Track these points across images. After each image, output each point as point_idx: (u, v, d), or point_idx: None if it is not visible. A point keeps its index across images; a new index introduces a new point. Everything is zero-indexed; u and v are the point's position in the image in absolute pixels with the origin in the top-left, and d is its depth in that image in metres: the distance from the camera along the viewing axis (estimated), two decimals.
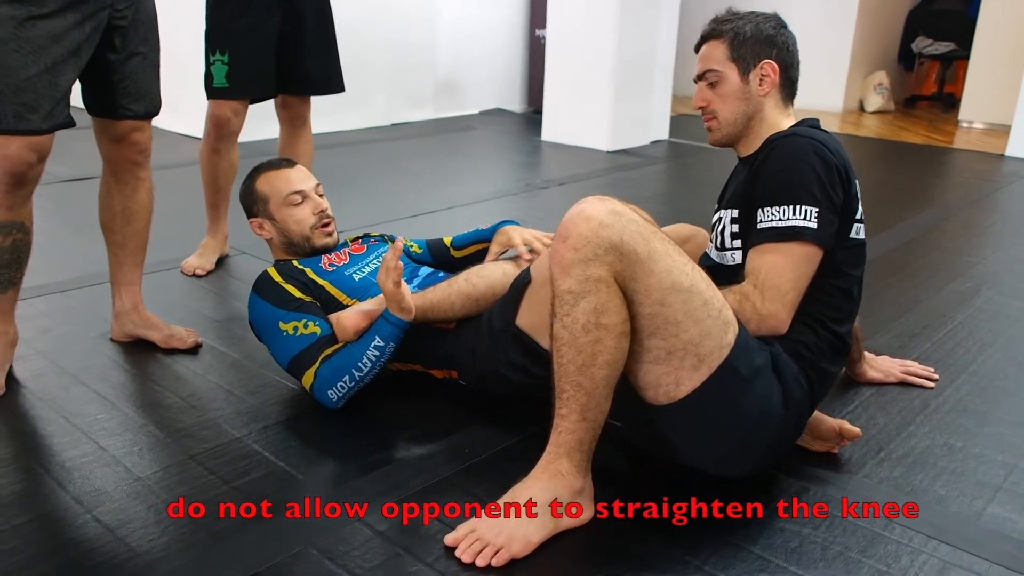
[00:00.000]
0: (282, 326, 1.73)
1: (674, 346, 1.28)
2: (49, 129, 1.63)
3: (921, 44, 6.87)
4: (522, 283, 1.65)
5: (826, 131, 1.52)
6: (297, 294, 1.79)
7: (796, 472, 1.55)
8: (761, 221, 1.41)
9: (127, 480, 1.47)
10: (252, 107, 2.53)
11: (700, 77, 1.57)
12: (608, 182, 4.09)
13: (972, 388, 1.92)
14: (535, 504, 1.30)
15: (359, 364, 1.65)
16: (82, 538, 1.31)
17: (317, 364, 1.67)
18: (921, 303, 2.47)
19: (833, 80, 6.66)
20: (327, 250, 1.93)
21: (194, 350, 2.00)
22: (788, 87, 1.56)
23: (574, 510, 1.34)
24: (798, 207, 1.38)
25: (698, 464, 1.44)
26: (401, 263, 1.59)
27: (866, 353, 1.94)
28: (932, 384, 1.93)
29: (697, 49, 1.58)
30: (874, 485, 1.52)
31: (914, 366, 1.98)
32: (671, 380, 1.31)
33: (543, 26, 5.34)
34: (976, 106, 5.95)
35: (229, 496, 1.43)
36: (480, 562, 1.25)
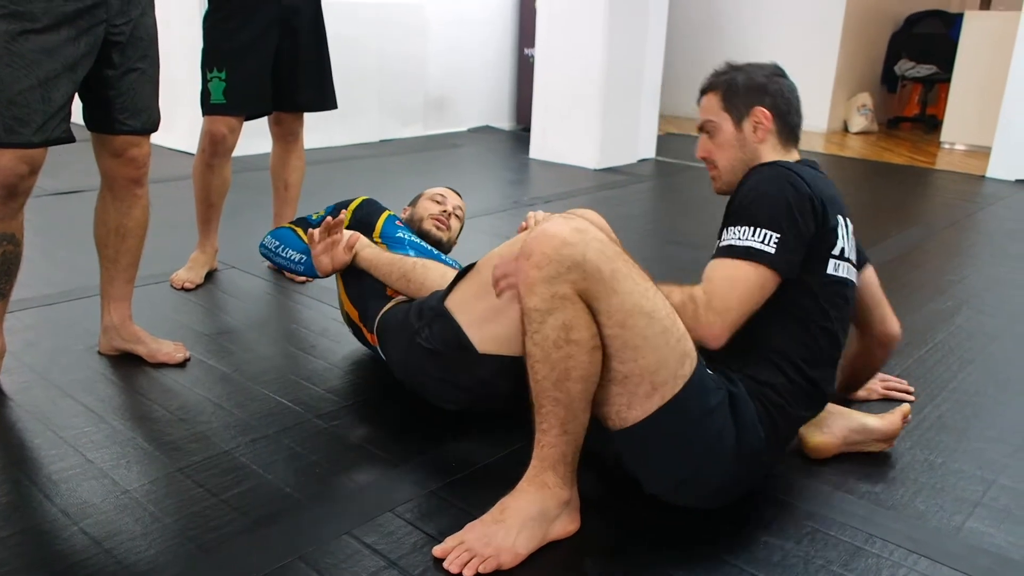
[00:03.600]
0: (321, 212, 2.26)
1: (631, 371, 1.29)
2: (41, 143, 1.64)
3: (904, 66, 6.98)
4: (466, 269, 1.68)
5: (819, 171, 1.53)
6: (349, 209, 2.20)
7: (779, 487, 1.57)
8: (724, 239, 1.44)
9: (114, 493, 1.47)
10: (245, 123, 2.55)
11: (700, 128, 1.62)
12: (595, 200, 4.13)
13: (952, 405, 1.96)
14: (523, 516, 1.32)
15: (287, 249, 2.14)
16: (69, 551, 1.31)
17: (290, 226, 2.24)
18: (903, 321, 2.48)
19: (818, 101, 6.75)
20: (430, 239, 2.19)
21: (182, 364, 2.01)
22: (786, 132, 1.57)
23: (561, 522, 1.36)
24: (759, 230, 1.39)
25: (655, 491, 1.44)
26: (339, 237, 1.94)
27: None
28: (911, 397, 1.96)
29: (698, 102, 1.64)
30: (855, 500, 1.54)
31: (892, 380, 2.02)
32: (623, 403, 1.32)
33: (532, 45, 5.39)
34: (957, 128, 6.04)
35: (217, 509, 1.43)
36: (467, 572, 1.26)
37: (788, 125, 1.58)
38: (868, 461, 1.69)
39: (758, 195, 1.43)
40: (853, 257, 1.52)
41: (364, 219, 2.14)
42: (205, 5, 2.46)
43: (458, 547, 1.30)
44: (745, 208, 1.43)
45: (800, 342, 1.44)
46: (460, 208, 2.33)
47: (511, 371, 1.61)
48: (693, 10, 7.09)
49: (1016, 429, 1.85)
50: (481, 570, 1.27)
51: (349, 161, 4.82)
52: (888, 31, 7.14)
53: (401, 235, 2.11)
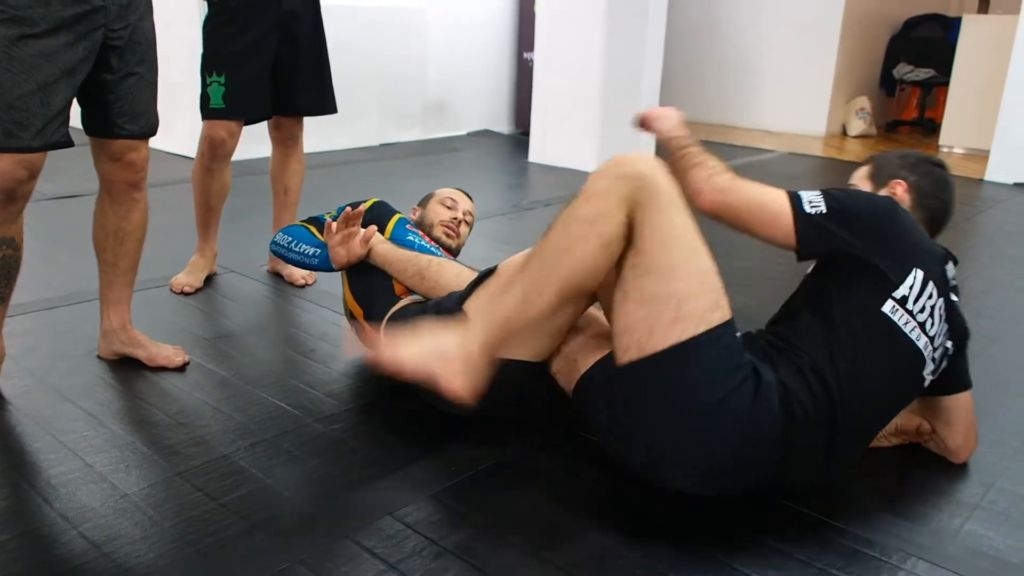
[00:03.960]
0: (334, 212, 2.20)
1: (660, 291, 1.31)
2: (40, 147, 1.64)
3: (902, 70, 6.99)
4: (486, 273, 1.68)
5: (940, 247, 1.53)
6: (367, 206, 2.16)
7: (777, 490, 1.57)
8: None
9: (113, 497, 1.47)
10: (244, 128, 2.56)
11: None
12: None
13: None
14: (431, 332, 1.33)
15: (301, 244, 2.09)
16: (68, 555, 1.31)
17: (303, 224, 2.20)
18: None
19: (816, 105, 6.76)
20: (440, 244, 2.20)
21: (182, 368, 2.01)
22: (922, 213, 1.57)
23: (454, 371, 1.30)
24: (820, 195, 1.45)
25: (641, 459, 1.40)
26: (356, 229, 1.96)
27: None
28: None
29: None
30: (855, 503, 1.54)
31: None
32: (645, 330, 1.32)
33: (531, 49, 5.40)
34: (956, 131, 6.05)
35: (216, 513, 1.43)
36: (368, 357, 1.37)
37: (926, 209, 1.59)
38: (867, 464, 1.69)
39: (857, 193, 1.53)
40: (931, 329, 1.45)
41: (375, 221, 2.14)
42: (205, 9, 2.46)
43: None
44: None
45: (831, 364, 1.39)
46: (470, 213, 2.33)
47: (525, 374, 1.63)
48: (692, 13, 7.10)
49: (1015, 432, 1.85)
50: (366, 355, 1.44)
51: (349, 165, 4.83)
52: (886, 35, 7.16)
53: (411, 239, 2.12)
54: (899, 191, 1.58)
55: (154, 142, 1.95)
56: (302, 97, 2.60)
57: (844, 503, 1.54)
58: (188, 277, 2.59)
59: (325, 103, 2.68)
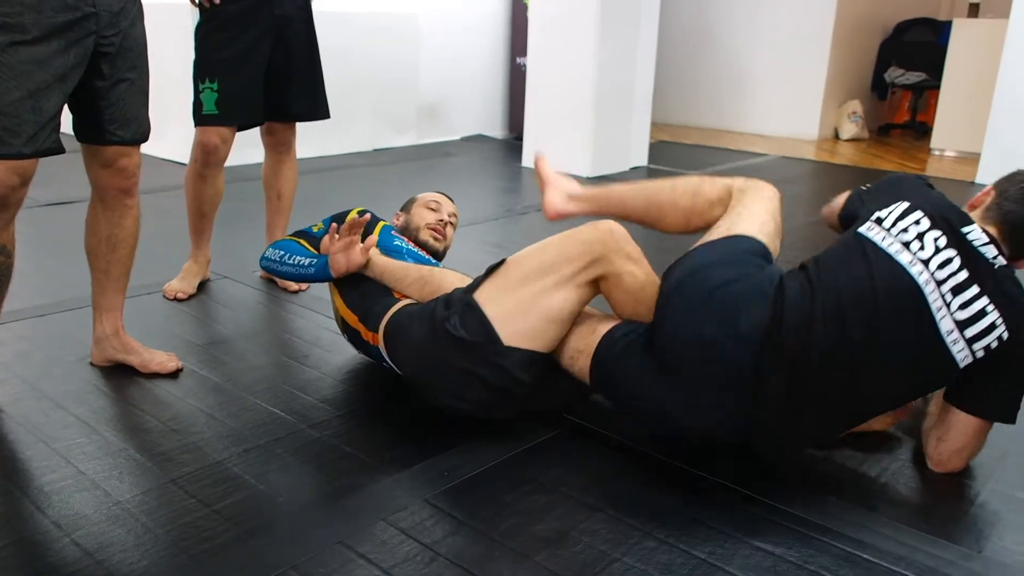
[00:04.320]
0: (320, 225, 2.23)
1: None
2: (32, 154, 1.64)
3: (893, 74, 7.02)
4: (495, 266, 1.73)
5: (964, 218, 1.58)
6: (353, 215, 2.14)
7: (770, 492, 1.57)
8: None
9: (106, 504, 1.46)
10: (237, 133, 2.56)
11: None
12: None
13: None
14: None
15: (294, 257, 2.06)
16: (61, 562, 1.31)
17: (287, 237, 2.21)
18: None
19: (808, 108, 6.79)
20: (426, 248, 2.23)
21: (175, 374, 2.01)
22: (997, 214, 1.61)
23: (560, 194, 1.89)
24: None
25: (658, 400, 1.56)
26: (357, 238, 1.98)
27: None
28: None
29: None
30: (847, 506, 1.54)
31: None
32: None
33: (524, 54, 5.41)
34: (947, 134, 6.08)
35: (210, 519, 1.43)
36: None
37: (1002, 211, 1.62)
38: (859, 466, 1.69)
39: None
40: (922, 253, 1.50)
41: (386, 233, 2.16)
42: (197, 16, 2.46)
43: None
44: None
45: (817, 282, 1.53)
46: (454, 215, 2.34)
47: (534, 365, 1.67)
48: (685, 18, 7.13)
49: (1005, 434, 1.85)
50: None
51: (343, 170, 4.83)
52: (878, 39, 7.19)
53: (398, 243, 2.13)
54: (987, 196, 1.69)
55: (147, 148, 1.95)
56: (295, 103, 2.60)
57: (836, 507, 1.54)
58: (181, 283, 2.59)
59: (318, 109, 2.68)
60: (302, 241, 2.17)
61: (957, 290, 1.48)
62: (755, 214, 1.65)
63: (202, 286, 2.67)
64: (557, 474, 1.62)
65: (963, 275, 1.49)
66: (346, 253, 1.96)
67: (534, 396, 1.77)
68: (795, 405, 1.49)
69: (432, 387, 1.77)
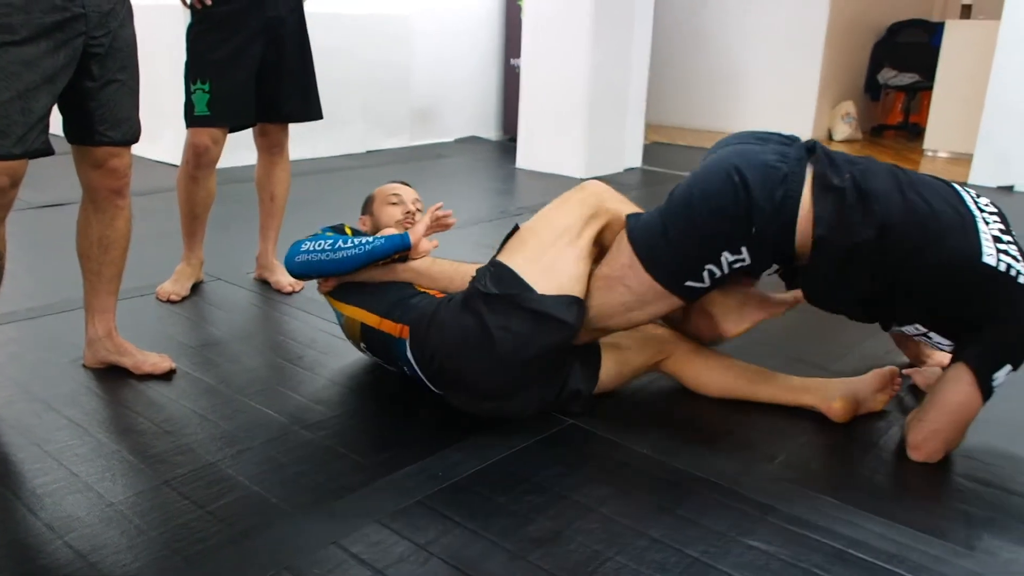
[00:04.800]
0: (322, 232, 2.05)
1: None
2: (21, 154, 1.64)
3: (886, 75, 7.05)
4: (509, 233, 1.81)
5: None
6: (347, 230, 2.09)
7: (762, 490, 1.58)
8: None
9: (99, 506, 1.46)
10: (229, 135, 2.55)
11: None
12: None
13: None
14: None
15: (347, 240, 1.91)
16: (54, 564, 1.30)
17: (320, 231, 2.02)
18: None
19: (802, 109, 6.81)
20: None
21: (168, 376, 2.00)
22: None
23: None
24: None
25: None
26: (451, 220, 2.05)
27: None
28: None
29: None
30: (840, 504, 1.55)
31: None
32: None
33: (518, 55, 5.42)
34: (940, 135, 6.10)
35: (203, 520, 1.43)
36: None
37: None
38: (852, 464, 1.70)
39: None
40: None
41: (359, 234, 2.12)
42: (188, 17, 2.46)
43: None
44: None
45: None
46: (418, 200, 2.28)
47: (575, 305, 1.70)
48: (678, 19, 7.14)
49: (997, 432, 1.86)
50: None
51: (335, 172, 4.82)
52: (870, 40, 7.22)
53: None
54: None
55: (139, 150, 1.95)
56: (287, 104, 2.60)
57: (828, 505, 1.54)
58: (174, 285, 2.59)
59: (310, 109, 2.68)
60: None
61: (1000, 234, 1.63)
62: None
63: (195, 288, 2.66)
64: (551, 474, 1.62)
65: (1005, 234, 1.64)
66: (427, 237, 1.97)
67: (553, 394, 1.81)
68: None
69: (459, 374, 1.76)
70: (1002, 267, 1.57)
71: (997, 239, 1.61)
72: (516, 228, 1.81)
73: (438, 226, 2.05)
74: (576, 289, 1.71)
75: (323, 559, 1.34)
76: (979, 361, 1.62)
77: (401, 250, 1.90)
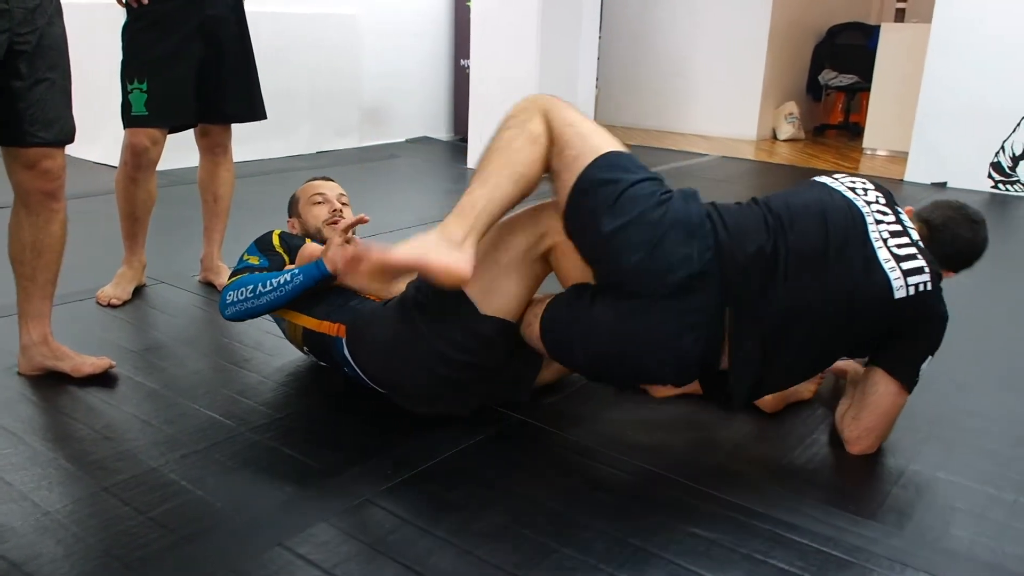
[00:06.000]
0: (244, 256, 2.03)
1: (582, 149, 1.59)
2: None
3: (827, 76, 7.22)
4: None
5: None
6: (276, 244, 2.05)
7: (743, 493, 1.60)
8: None
9: (35, 515, 1.42)
10: (171, 136, 2.51)
11: None
12: None
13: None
14: (432, 238, 1.53)
15: (268, 281, 1.85)
16: None
17: (238, 275, 1.93)
18: None
19: (747, 110, 6.94)
20: None
21: (108, 381, 1.96)
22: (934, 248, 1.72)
23: (441, 253, 1.50)
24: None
25: (597, 249, 1.58)
26: (355, 236, 1.87)
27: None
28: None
29: None
30: (781, 493, 1.58)
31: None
32: (577, 167, 1.59)
33: (467, 56, 5.42)
34: (878, 134, 6.27)
35: (144, 527, 1.40)
36: (367, 255, 1.54)
37: (939, 243, 1.75)
38: (788, 453, 1.74)
39: None
40: (865, 195, 1.69)
41: (294, 245, 2.09)
42: (124, 15, 2.41)
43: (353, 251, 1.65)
44: None
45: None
46: (343, 194, 2.24)
47: (509, 330, 1.70)
48: (626, 20, 7.22)
49: (928, 419, 1.93)
50: (355, 255, 1.59)
51: (284, 173, 4.76)
52: (811, 42, 7.39)
53: None
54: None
55: (77, 151, 1.91)
56: (229, 104, 2.57)
57: (810, 507, 1.58)
58: (115, 289, 2.53)
59: (253, 110, 2.65)
60: (253, 269, 1.98)
61: (894, 234, 1.63)
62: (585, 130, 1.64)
63: (137, 292, 2.61)
64: (498, 471, 1.63)
65: (897, 227, 1.64)
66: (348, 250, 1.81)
67: (494, 385, 1.80)
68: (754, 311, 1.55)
69: (394, 375, 1.76)
70: (911, 291, 1.58)
71: (896, 255, 1.59)
72: None
73: (353, 224, 1.87)
74: (514, 313, 1.69)
75: (269, 561, 1.32)
76: (905, 371, 1.68)
77: (321, 281, 1.83)
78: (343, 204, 2.21)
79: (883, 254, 1.58)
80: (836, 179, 1.75)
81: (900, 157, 5.76)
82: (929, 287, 1.60)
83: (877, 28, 6.56)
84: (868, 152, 6.31)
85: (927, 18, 5.28)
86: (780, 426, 1.87)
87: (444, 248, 1.50)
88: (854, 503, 1.56)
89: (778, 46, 6.92)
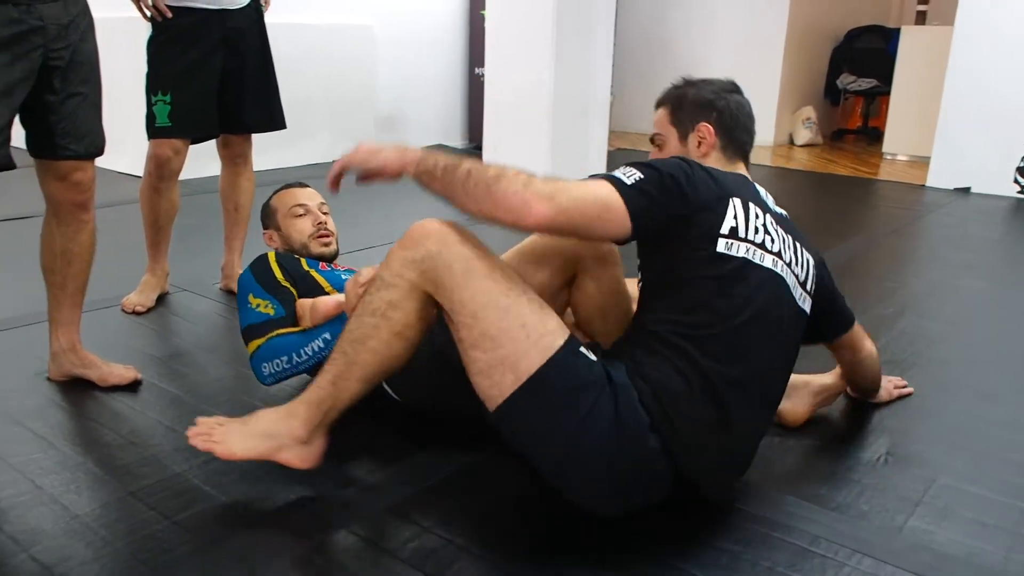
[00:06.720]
0: (251, 299, 1.90)
1: (493, 359, 1.33)
2: None
3: (845, 80, 7.19)
4: None
5: (743, 176, 1.56)
6: (280, 278, 1.92)
7: (696, 486, 1.60)
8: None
9: (64, 518, 1.45)
10: (193, 146, 2.55)
11: (651, 141, 1.69)
12: None
13: (894, 408, 2.01)
14: (259, 427, 1.48)
15: (301, 351, 1.80)
16: None
17: (264, 339, 1.82)
18: None
19: (764, 115, 6.88)
20: (323, 259, 2.08)
21: (134, 387, 1.99)
22: (731, 147, 1.60)
23: (292, 453, 1.48)
24: (625, 167, 1.41)
25: (548, 477, 1.40)
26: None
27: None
28: (909, 391, 2.08)
29: (654, 114, 1.70)
30: (800, 502, 1.58)
31: (894, 380, 2.08)
32: (496, 393, 1.35)
33: (482, 64, 5.45)
34: (899, 139, 6.23)
35: (169, 531, 1.42)
36: (193, 441, 1.48)
37: (734, 141, 1.61)
38: (812, 462, 1.74)
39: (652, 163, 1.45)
40: (774, 245, 1.46)
41: (297, 274, 1.98)
42: (150, 29, 2.45)
43: (207, 425, 1.50)
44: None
45: (682, 320, 1.38)
46: (324, 204, 2.15)
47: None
48: (641, 26, 7.23)
49: (955, 429, 1.92)
50: (201, 447, 1.47)
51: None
52: (829, 46, 7.36)
53: (329, 270, 2.01)
54: (706, 135, 1.58)
55: (103, 162, 1.94)
56: (249, 114, 2.60)
57: (789, 503, 1.58)
58: (139, 297, 2.57)
59: (273, 119, 2.69)
60: (278, 331, 1.85)
61: (792, 259, 1.51)
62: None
63: (161, 299, 2.65)
64: (522, 479, 1.63)
65: (789, 239, 1.52)
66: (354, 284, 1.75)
67: None
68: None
69: (413, 382, 1.74)
70: (812, 289, 1.57)
71: (802, 285, 1.52)
72: None
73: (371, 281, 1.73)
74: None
75: (292, 567, 1.34)
76: (848, 314, 1.78)
77: None
78: (325, 214, 2.14)
79: (797, 292, 1.50)
80: (743, 239, 1.42)
81: (921, 162, 5.72)
82: (813, 265, 1.58)
83: (897, 31, 6.52)
84: (888, 157, 6.28)
85: (949, 20, 5.25)
86: (804, 438, 1.86)
87: (286, 443, 1.47)
88: (880, 516, 1.55)
89: (795, 50, 6.90)
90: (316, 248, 2.07)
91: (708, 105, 1.61)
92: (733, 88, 1.65)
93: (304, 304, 1.88)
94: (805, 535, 1.46)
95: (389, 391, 1.84)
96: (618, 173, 1.41)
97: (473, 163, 1.37)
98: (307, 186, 2.18)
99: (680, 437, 1.35)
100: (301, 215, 2.09)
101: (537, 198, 1.32)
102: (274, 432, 1.47)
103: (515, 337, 1.32)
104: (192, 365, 2.17)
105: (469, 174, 1.35)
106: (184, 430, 1.76)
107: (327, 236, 2.08)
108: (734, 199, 1.44)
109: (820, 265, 1.64)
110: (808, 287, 1.56)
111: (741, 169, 1.61)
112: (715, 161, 1.59)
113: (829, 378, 1.93)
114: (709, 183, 1.43)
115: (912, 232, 4.11)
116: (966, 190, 5.05)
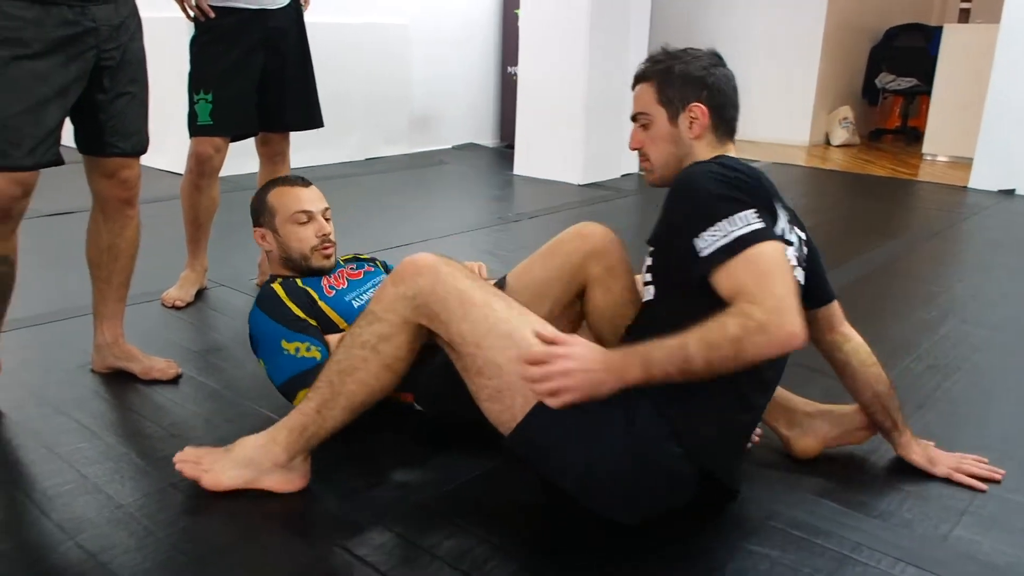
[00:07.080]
0: (284, 345, 1.76)
1: (501, 385, 1.34)
2: (32, 166, 1.66)
3: (884, 79, 7.08)
4: (498, 287, 1.67)
5: (740, 162, 1.44)
6: (300, 313, 1.81)
7: (764, 496, 1.59)
8: (703, 249, 1.29)
9: (109, 507, 1.48)
10: (232, 144, 2.58)
11: (634, 119, 1.55)
12: (579, 215, 4.16)
13: (937, 414, 1.98)
14: (242, 455, 1.50)
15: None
16: (65, 564, 1.32)
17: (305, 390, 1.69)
18: (888, 331, 2.54)
19: (799, 115, 6.84)
20: (323, 272, 1.94)
21: (174, 381, 2.02)
22: (722, 127, 1.51)
23: (275, 478, 1.50)
24: (732, 216, 1.28)
25: (572, 493, 1.39)
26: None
27: (914, 436, 1.74)
28: (984, 487, 1.65)
29: (633, 89, 1.55)
30: (842, 509, 1.56)
31: (968, 460, 1.71)
32: (508, 417, 1.36)
33: (515, 63, 5.45)
34: (939, 140, 6.12)
35: (210, 521, 1.45)
36: (180, 467, 1.52)
37: (724, 119, 1.51)
38: (853, 469, 1.71)
39: (692, 195, 1.36)
40: (790, 237, 1.44)
41: (303, 302, 1.86)
42: (192, 29, 2.49)
43: (193, 455, 1.53)
44: (697, 212, 1.33)
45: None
46: (327, 209, 1.99)
47: None
48: (675, 25, 7.17)
49: (1000, 437, 1.88)
50: (188, 474, 1.50)
51: (335, 180, 4.84)
52: (868, 45, 7.25)
53: (348, 300, 1.90)
54: (699, 115, 1.48)
55: (145, 159, 1.97)
56: (289, 113, 2.63)
57: (831, 510, 1.56)
58: (179, 291, 2.61)
59: (311, 118, 2.71)
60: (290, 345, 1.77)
61: (796, 243, 1.48)
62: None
63: (199, 294, 2.68)
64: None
65: (791, 226, 1.47)
66: None
67: None
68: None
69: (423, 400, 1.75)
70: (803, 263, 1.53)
71: (801, 264, 1.50)
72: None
73: None
74: None
75: (328, 560, 1.35)
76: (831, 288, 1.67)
77: None
78: (327, 220, 1.97)
79: (799, 274, 1.47)
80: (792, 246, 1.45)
81: (962, 163, 5.62)
82: (803, 238, 1.52)
83: (938, 30, 6.41)
84: (928, 158, 6.17)
85: (993, 18, 5.14)
86: (844, 446, 1.83)
87: (269, 469, 1.50)
88: (924, 525, 1.52)
89: (832, 48, 6.80)
90: (317, 261, 1.92)
91: (698, 82, 1.49)
92: (718, 60, 1.54)
93: (334, 342, 1.78)
94: (847, 542, 1.44)
95: (416, 405, 1.80)
96: (747, 228, 1.28)
97: (691, 338, 1.23)
98: (309, 184, 2.01)
99: (702, 440, 1.35)
100: (304, 223, 1.92)
101: (781, 327, 1.21)
102: (255, 459, 1.50)
103: (517, 364, 1.31)
104: (230, 360, 2.20)
105: (707, 360, 1.23)
106: (222, 423, 1.81)
107: (329, 249, 1.93)
108: (776, 201, 1.42)
109: (809, 241, 1.57)
110: (803, 264, 1.51)
111: (731, 151, 1.53)
112: (707, 143, 1.50)
113: (847, 408, 1.74)
114: (768, 188, 1.40)
115: (954, 235, 4.04)
116: (1010, 192, 4.95)
